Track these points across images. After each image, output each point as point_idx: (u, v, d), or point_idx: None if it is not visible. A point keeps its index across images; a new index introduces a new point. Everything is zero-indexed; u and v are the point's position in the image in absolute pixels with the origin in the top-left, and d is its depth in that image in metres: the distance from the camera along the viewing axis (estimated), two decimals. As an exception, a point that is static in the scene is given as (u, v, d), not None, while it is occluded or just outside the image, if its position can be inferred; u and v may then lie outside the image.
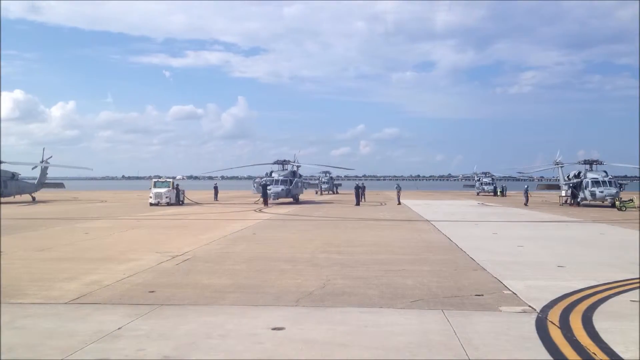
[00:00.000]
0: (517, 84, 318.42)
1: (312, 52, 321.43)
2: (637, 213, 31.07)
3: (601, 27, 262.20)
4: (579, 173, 42.73)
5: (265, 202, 39.60)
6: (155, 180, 41.43)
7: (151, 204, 37.79)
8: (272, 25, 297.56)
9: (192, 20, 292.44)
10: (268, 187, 41.41)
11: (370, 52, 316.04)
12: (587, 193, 39.67)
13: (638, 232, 19.76)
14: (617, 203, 36.52)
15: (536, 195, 64.37)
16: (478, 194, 69.19)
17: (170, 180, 41.37)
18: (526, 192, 43.15)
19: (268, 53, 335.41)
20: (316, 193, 45.32)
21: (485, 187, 69.44)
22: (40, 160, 49.57)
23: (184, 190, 42.05)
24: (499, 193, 65.27)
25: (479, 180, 74.35)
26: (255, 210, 33.50)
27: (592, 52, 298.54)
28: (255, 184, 45.87)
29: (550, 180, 53.73)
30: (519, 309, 8.12)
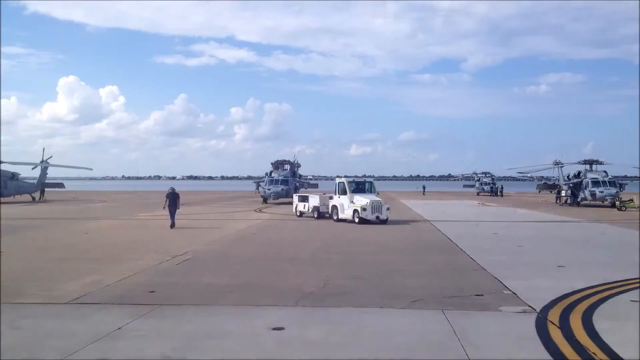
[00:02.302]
0: (535, 83, 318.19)
1: (330, 51, 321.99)
2: (637, 213, 31.07)
3: (623, 26, 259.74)
4: (579, 173, 42.74)
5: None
6: None
7: None
8: (289, 24, 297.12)
9: (210, 18, 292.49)
10: (268, 188, 41.53)
11: (391, 51, 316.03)
12: (587, 193, 39.68)
13: (638, 232, 19.75)
14: (617, 203, 36.53)
15: (536, 195, 64.45)
16: (478, 193, 69.26)
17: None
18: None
19: (284, 52, 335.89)
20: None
21: (485, 187, 69.60)
22: (40, 160, 49.56)
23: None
24: (498, 193, 65.29)
25: (478, 180, 74.43)
26: (255, 210, 33.50)
27: (613, 52, 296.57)
28: (255, 184, 46.99)
29: (550, 180, 53.75)
30: (519, 309, 8.12)
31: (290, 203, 42.77)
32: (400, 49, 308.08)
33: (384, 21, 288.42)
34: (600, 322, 7.31)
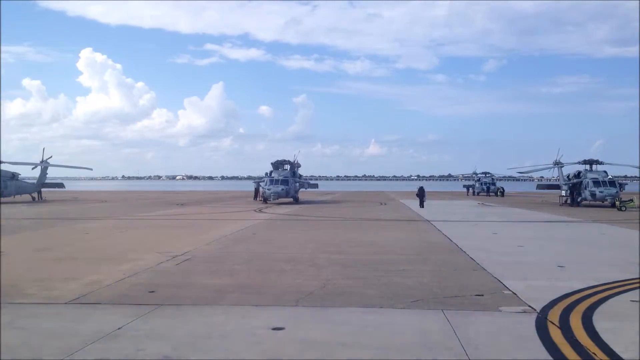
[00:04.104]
0: (550, 84, 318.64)
1: (343, 50, 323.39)
2: (637, 213, 31.07)
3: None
4: (579, 173, 42.74)
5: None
6: None
7: None
8: (302, 22, 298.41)
9: (223, 17, 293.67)
10: (268, 188, 41.63)
11: (403, 50, 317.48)
12: (587, 193, 39.69)
13: (638, 232, 19.75)
14: (617, 203, 36.52)
15: (536, 195, 64.48)
16: (478, 193, 69.21)
17: None
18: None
19: (296, 52, 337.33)
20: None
21: (485, 187, 69.53)
22: (40, 160, 49.53)
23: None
24: (499, 193, 65.20)
25: (478, 180, 74.37)
26: (255, 210, 33.50)
27: (629, 50, 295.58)
28: (255, 184, 47.41)
29: (550, 180, 53.76)
30: (519, 309, 8.12)
31: (291, 203, 43.09)
32: (413, 47, 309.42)
33: (397, 20, 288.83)
34: (600, 322, 7.31)
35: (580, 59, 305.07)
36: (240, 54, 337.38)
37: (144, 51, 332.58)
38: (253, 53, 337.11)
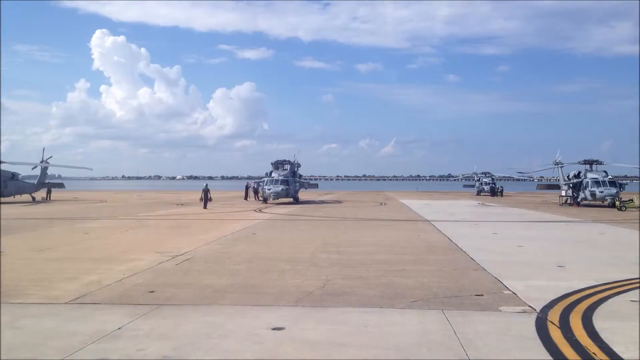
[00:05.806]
0: (563, 83, 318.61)
1: (351, 50, 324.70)
2: (637, 213, 31.07)
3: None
4: (579, 173, 42.75)
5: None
6: None
7: None
8: (313, 21, 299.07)
9: (233, 15, 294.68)
10: (268, 188, 41.65)
11: (414, 50, 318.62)
12: (587, 193, 39.69)
13: (638, 232, 19.75)
14: (617, 203, 36.52)
15: (536, 195, 64.49)
16: (478, 193, 69.20)
17: None
18: None
19: (306, 51, 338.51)
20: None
21: (485, 187, 69.52)
22: (40, 160, 49.52)
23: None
24: (498, 193, 65.16)
25: (478, 180, 74.33)
26: (255, 210, 33.50)
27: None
28: (255, 184, 47.60)
29: (550, 180, 53.77)
30: (519, 309, 8.12)
31: (291, 203, 43.11)
32: (424, 47, 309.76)
33: (410, 19, 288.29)
34: (600, 322, 7.32)
35: (594, 58, 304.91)
36: (252, 53, 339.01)
37: (156, 50, 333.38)
38: (265, 52, 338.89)
